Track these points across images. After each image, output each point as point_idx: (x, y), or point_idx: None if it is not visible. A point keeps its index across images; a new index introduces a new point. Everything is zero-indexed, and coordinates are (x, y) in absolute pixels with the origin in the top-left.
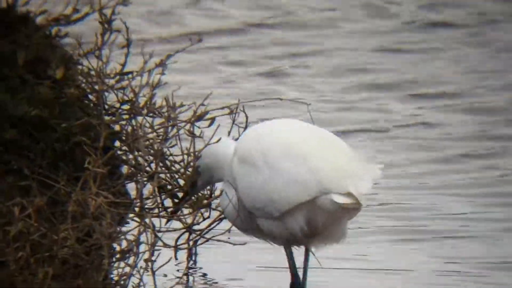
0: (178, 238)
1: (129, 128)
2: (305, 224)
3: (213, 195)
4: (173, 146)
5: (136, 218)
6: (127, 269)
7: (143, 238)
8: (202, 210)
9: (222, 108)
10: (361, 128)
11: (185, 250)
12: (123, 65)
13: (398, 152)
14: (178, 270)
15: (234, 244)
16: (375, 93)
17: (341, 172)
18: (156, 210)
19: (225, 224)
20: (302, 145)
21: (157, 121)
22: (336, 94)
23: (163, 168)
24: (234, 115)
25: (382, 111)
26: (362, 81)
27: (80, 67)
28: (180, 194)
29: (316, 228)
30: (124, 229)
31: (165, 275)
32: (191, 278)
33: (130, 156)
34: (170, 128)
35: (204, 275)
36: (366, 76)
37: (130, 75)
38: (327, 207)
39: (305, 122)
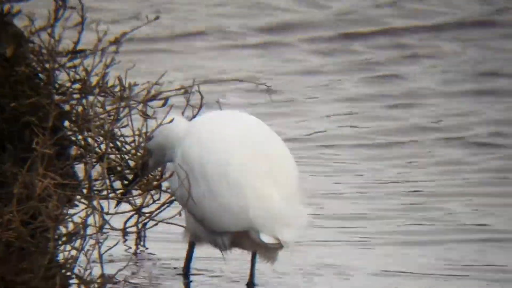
0: (127, 220)
1: (80, 108)
2: (229, 243)
3: (163, 176)
4: (125, 126)
5: (84, 200)
6: (74, 253)
7: (90, 220)
8: (152, 192)
9: (178, 89)
10: None
11: (134, 234)
12: (76, 43)
13: None
14: (126, 252)
15: (184, 226)
16: None
17: (273, 215)
18: (104, 192)
19: (175, 206)
20: (241, 170)
21: (110, 101)
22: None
23: (113, 149)
24: (189, 95)
25: None
26: None
27: (31, 45)
28: (130, 176)
29: (241, 247)
30: (71, 211)
31: (112, 260)
32: (139, 261)
33: (80, 137)
34: (122, 108)
35: (154, 259)
36: None
37: (82, 54)
38: (253, 239)
39: (256, 122)
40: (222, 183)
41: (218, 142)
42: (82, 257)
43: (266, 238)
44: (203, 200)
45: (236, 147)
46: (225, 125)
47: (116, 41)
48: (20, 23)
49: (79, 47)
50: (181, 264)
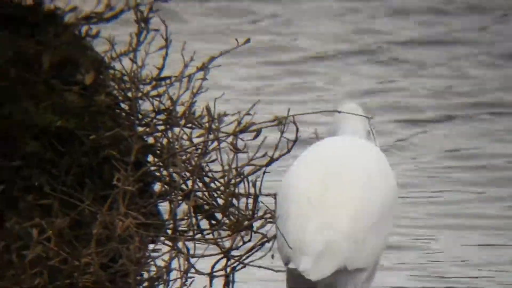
0: (215, 264)
1: (165, 141)
2: (289, 279)
3: (255, 215)
4: (213, 161)
5: (168, 242)
6: None
7: (174, 264)
8: (242, 233)
9: (272, 120)
10: None
11: (222, 278)
12: (161, 69)
13: None
14: None
15: (277, 271)
16: None
17: (303, 246)
18: (190, 233)
19: (267, 248)
20: (295, 197)
21: (196, 132)
22: None
23: (201, 186)
24: (283, 126)
25: None
26: None
27: (112, 71)
28: (219, 215)
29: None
30: (154, 254)
31: None
32: None
33: (164, 172)
34: (210, 141)
35: None
36: None
37: (167, 81)
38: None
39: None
40: (282, 215)
41: (293, 169)
42: None
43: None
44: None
45: (306, 175)
46: (318, 152)
47: (204, 67)
48: (99, 47)
49: (164, 73)
50: None
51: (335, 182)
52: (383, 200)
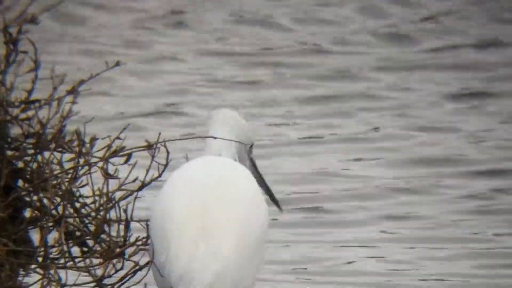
0: None
1: (35, 165)
2: None
3: (127, 242)
4: (84, 186)
5: (39, 270)
6: None
7: None
8: (114, 261)
9: (142, 147)
10: None
11: None
12: (30, 92)
13: None
14: None
15: None
16: None
17: (191, 278)
18: (62, 261)
19: (140, 275)
20: (172, 224)
21: (67, 157)
22: None
23: (72, 212)
24: (153, 150)
25: None
26: None
27: None
28: (91, 242)
29: None
30: (25, 280)
31: None
32: None
33: (35, 198)
34: (81, 165)
35: None
36: None
37: (37, 104)
38: None
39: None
40: (156, 238)
41: (166, 192)
42: None
43: None
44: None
45: (179, 198)
46: (189, 173)
47: (73, 90)
48: None
49: (33, 96)
50: None
51: (215, 205)
52: (260, 231)
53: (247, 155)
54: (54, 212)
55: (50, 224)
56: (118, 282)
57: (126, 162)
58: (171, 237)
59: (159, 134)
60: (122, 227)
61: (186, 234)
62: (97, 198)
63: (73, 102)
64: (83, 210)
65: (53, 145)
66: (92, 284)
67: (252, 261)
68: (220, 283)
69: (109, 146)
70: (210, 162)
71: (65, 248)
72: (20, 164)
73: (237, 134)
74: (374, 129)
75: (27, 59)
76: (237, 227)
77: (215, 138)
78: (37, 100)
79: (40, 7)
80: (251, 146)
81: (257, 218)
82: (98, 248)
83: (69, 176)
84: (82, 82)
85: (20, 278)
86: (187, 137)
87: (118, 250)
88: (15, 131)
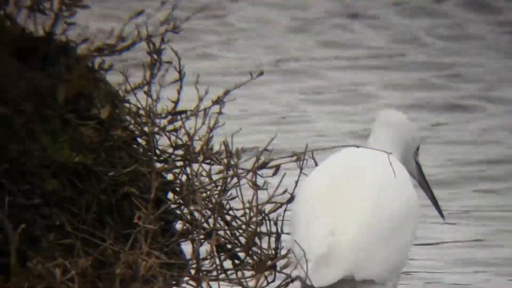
0: None
1: (184, 177)
2: None
3: (278, 255)
4: (234, 198)
5: (191, 282)
6: None
7: None
8: (266, 273)
9: (290, 156)
10: None
11: None
12: (176, 102)
13: None
14: None
15: None
16: None
17: (308, 251)
18: (214, 273)
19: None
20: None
21: (215, 169)
22: None
23: (222, 224)
24: (301, 162)
25: None
26: None
27: (127, 105)
28: (242, 254)
29: None
30: None
31: None
32: None
33: (185, 210)
34: (229, 177)
35: None
36: None
37: (183, 115)
38: None
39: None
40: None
41: (312, 176)
42: None
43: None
44: None
45: (320, 180)
46: (337, 159)
47: (219, 100)
48: (112, 80)
49: (179, 107)
50: None
51: (348, 189)
52: (396, 212)
53: (413, 158)
54: (205, 225)
55: (202, 236)
56: None
57: (274, 174)
58: (299, 214)
59: (306, 145)
60: (273, 239)
61: (312, 211)
62: (247, 210)
63: (220, 113)
64: (233, 223)
65: (201, 157)
66: None
67: (379, 248)
68: (334, 260)
69: (257, 158)
70: (359, 151)
71: (217, 260)
72: (170, 177)
73: (402, 136)
74: None
75: (172, 69)
76: (364, 211)
77: (358, 147)
78: (184, 111)
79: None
80: (417, 149)
81: (390, 206)
82: (250, 261)
83: (219, 188)
84: (227, 92)
85: None
86: (334, 145)
87: (269, 262)
88: (162, 142)
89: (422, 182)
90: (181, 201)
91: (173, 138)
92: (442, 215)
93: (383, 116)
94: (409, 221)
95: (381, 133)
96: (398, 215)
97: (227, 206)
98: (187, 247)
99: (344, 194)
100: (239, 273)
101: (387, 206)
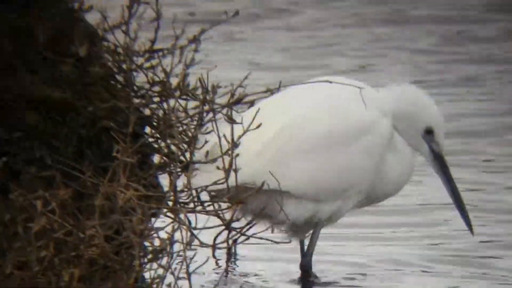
0: (217, 236)
1: (161, 113)
2: None
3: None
4: (209, 132)
5: (169, 214)
6: (161, 271)
7: (177, 236)
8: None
9: (264, 92)
10: None
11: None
12: (153, 41)
13: None
14: (214, 270)
15: (278, 242)
16: None
17: None
18: (191, 205)
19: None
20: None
21: (191, 104)
22: None
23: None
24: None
25: None
26: None
27: (105, 43)
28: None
29: None
30: (157, 225)
31: (204, 273)
32: (229, 278)
33: (162, 144)
34: (205, 112)
35: (244, 275)
36: None
37: (160, 53)
38: None
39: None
40: None
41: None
42: (169, 276)
43: None
44: None
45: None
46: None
47: (195, 39)
48: (92, 19)
49: (156, 45)
50: (275, 282)
51: (287, 105)
52: (322, 132)
53: (426, 142)
54: (182, 158)
55: (178, 169)
56: (246, 225)
57: (249, 109)
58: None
59: (280, 82)
60: None
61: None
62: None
63: (196, 51)
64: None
65: (178, 93)
66: (222, 228)
67: (294, 162)
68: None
69: (232, 94)
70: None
71: (194, 192)
72: (147, 112)
73: (405, 108)
74: None
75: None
76: (281, 126)
77: (330, 82)
78: (161, 49)
79: None
80: (431, 133)
81: (317, 125)
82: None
83: (195, 122)
84: (203, 31)
85: (151, 222)
86: (312, 81)
87: (244, 195)
88: (140, 79)
89: (443, 178)
90: (158, 135)
91: (150, 75)
92: (471, 229)
93: (397, 88)
94: (351, 144)
95: (388, 100)
96: (326, 135)
97: (204, 140)
98: (164, 180)
99: (281, 110)
100: (216, 205)
101: (311, 124)
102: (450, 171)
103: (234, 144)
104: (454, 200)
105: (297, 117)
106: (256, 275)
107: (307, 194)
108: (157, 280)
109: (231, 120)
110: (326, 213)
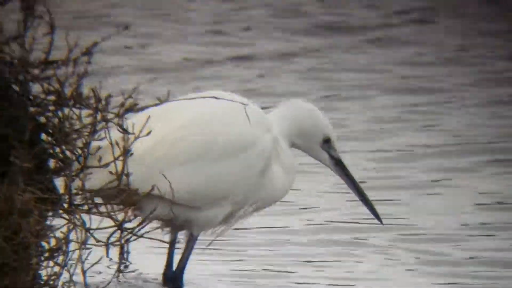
0: (110, 236)
1: (56, 120)
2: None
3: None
4: (102, 139)
5: (65, 215)
6: (57, 269)
7: (72, 235)
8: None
9: (154, 104)
10: None
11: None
12: (47, 53)
13: None
14: (109, 267)
15: (167, 242)
16: None
17: None
18: (86, 207)
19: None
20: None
21: (85, 112)
22: None
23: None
24: None
25: None
26: None
27: (2, 55)
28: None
29: None
30: (53, 225)
31: (100, 272)
32: (122, 276)
33: (58, 150)
34: (98, 121)
35: (137, 273)
36: None
37: (55, 64)
38: None
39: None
40: None
41: None
42: (65, 273)
43: None
44: None
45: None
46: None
47: (88, 52)
48: None
49: (51, 57)
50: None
51: (172, 117)
52: (201, 144)
53: (325, 150)
54: (76, 163)
55: (73, 174)
56: (137, 226)
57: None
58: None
59: (169, 91)
60: None
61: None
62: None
63: (88, 62)
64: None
65: (71, 102)
66: (114, 228)
67: (171, 169)
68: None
69: (123, 104)
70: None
71: (88, 195)
72: (42, 120)
73: (302, 123)
74: None
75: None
76: (161, 135)
77: (217, 98)
78: (55, 61)
79: None
80: (328, 141)
81: (195, 135)
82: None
83: (88, 130)
84: (95, 43)
85: (47, 223)
86: (199, 96)
87: (136, 197)
88: (36, 89)
89: (347, 181)
90: (54, 142)
91: (45, 85)
92: (378, 219)
93: (287, 103)
94: (229, 157)
95: (276, 115)
96: (204, 147)
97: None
98: (60, 183)
99: (165, 120)
100: (109, 207)
101: (191, 135)
102: (350, 172)
103: (126, 151)
104: (359, 197)
105: (178, 128)
106: (141, 273)
107: (184, 201)
108: (53, 277)
109: (122, 129)
110: (201, 219)
